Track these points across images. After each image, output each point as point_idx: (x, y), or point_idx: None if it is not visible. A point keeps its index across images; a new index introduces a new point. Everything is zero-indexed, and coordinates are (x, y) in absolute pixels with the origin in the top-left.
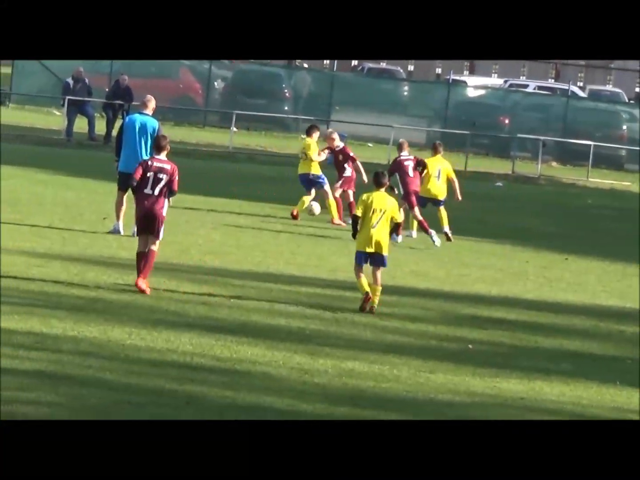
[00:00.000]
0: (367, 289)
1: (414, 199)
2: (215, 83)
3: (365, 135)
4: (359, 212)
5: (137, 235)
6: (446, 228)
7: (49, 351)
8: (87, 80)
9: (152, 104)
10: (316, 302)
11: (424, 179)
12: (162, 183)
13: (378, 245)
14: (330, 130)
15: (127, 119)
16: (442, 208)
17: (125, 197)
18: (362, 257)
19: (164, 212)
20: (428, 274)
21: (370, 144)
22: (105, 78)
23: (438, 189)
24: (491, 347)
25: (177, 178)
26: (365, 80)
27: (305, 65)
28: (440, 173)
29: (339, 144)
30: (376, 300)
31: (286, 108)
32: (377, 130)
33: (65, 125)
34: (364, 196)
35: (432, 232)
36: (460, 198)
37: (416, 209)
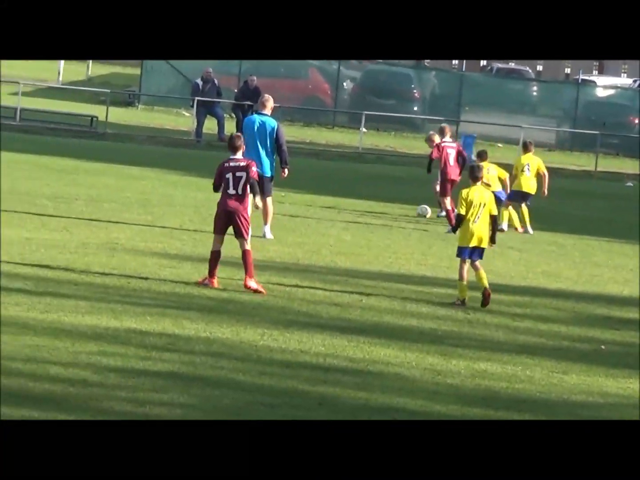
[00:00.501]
0: (466, 293)
1: (449, 187)
2: (344, 83)
3: (494, 136)
4: (462, 210)
5: (217, 234)
6: (528, 226)
7: (181, 352)
8: (216, 81)
9: (270, 103)
10: (448, 302)
11: (515, 175)
12: (243, 181)
13: (480, 239)
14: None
15: (245, 119)
16: (524, 206)
17: (269, 200)
18: (466, 252)
19: (249, 210)
20: (560, 275)
21: (499, 144)
22: (234, 79)
23: (529, 184)
24: (624, 347)
25: (255, 170)
26: (494, 80)
27: (427, 64)
28: (529, 168)
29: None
30: (486, 282)
31: (415, 108)
32: (507, 130)
33: (194, 126)
34: (464, 193)
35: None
36: (546, 193)
37: (448, 199)
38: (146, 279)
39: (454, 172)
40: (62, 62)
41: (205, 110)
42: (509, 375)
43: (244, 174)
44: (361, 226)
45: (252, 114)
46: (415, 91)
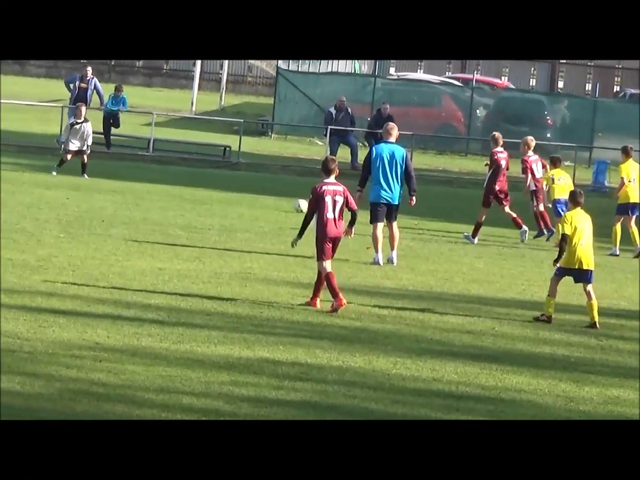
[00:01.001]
0: (552, 311)
1: (492, 198)
2: (477, 111)
3: None
4: (568, 231)
5: (328, 259)
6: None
7: (313, 382)
8: (349, 110)
9: (395, 131)
10: (581, 329)
11: (620, 186)
12: (340, 205)
13: (585, 262)
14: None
15: (375, 147)
16: (633, 221)
17: (380, 228)
18: (563, 272)
19: (340, 231)
20: None
21: None
22: (367, 107)
23: (635, 194)
24: None
25: (351, 197)
26: (627, 105)
27: (560, 90)
28: (636, 178)
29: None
30: (596, 315)
31: (548, 135)
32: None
33: (327, 154)
34: (567, 216)
35: (525, 228)
36: None
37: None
38: (279, 308)
39: (502, 182)
40: (196, 92)
41: (339, 139)
42: None
43: (341, 199)
44: (494, 253)
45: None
46: (548, 118)
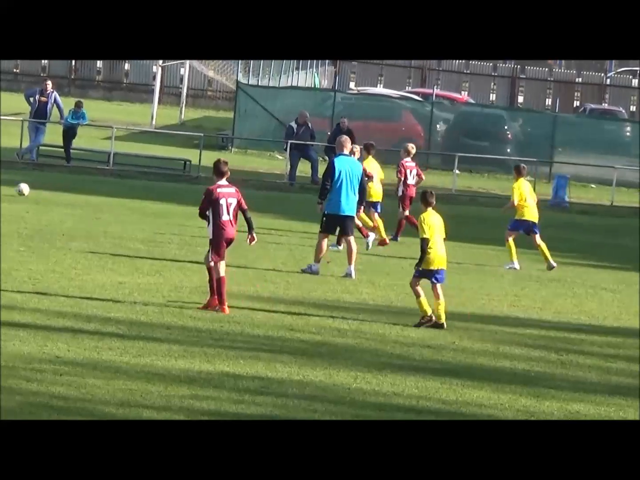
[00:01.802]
0: (428, 310)
1: (408, 202)
2: (437, 125)
3: (587, 177)
4: (428, 234)
5: (222, 259)
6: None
7: (274, 395)
8: (309, 124)
9: (348, 144)
10: (541, 344)
11: (511, 204)
12: (233, 207)
13: (440, 262)
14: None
15: (336, 160)
16: (538, 238)
17: (326, 240)
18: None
19: (234, 233)
20: None
21: (593, 185)
22: (327, 121)
23: (533, 212)
24: None
25: (243, 199)
26: (587, 120)
27: (520, 105)
28: (530, 195)
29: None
30: (443, 315)
31: (509, 150)
32: (600, 171)
33: (288, 169)
34: (423, 219)
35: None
36: None
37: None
38: (239, 322)
39: (412, 190)
40: (156, 106)
41: (299, 153)
42: (602, 417)
43: (235, 200)
44: (454, 268)
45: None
46: (508, 132)
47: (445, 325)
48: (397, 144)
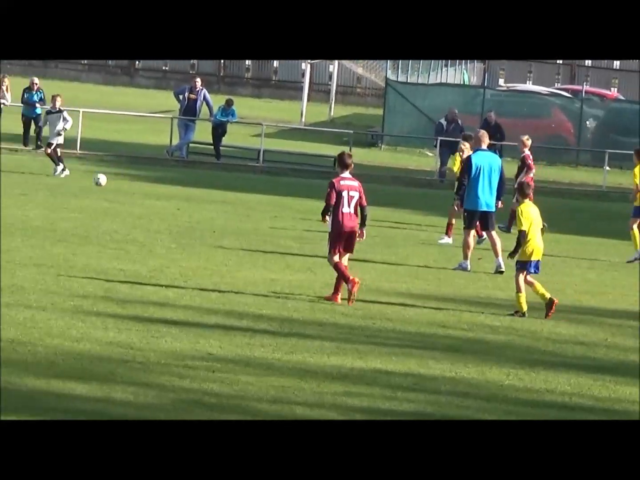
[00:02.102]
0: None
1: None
2: (587, 122)
3: None
4: (525, 227)
5: (335, 251)
6: None
7: (426, 392)
8: (459, 121)
9: (486, 138)
10: None
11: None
12: (355, 200)
13: (537, 253)
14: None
15: (472, 157)
16: None
17: (472, 235)
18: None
19: (354, 225)
20: None
21: None
22: (477, 118)
23: None
24: None
25: (364, 193)
26: None
27: None
28: None
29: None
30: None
31: None
32: None
33: (438, 166)
34: (521, 211)
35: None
36: None
37: None
38: (391, 319)
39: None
40: (305, 103)
41: (449, 150)
42: None
43: (356, 194)
44: (606, 264)
45: (501, 152)
46: None
47: (554, 301)
48: (547, 141)
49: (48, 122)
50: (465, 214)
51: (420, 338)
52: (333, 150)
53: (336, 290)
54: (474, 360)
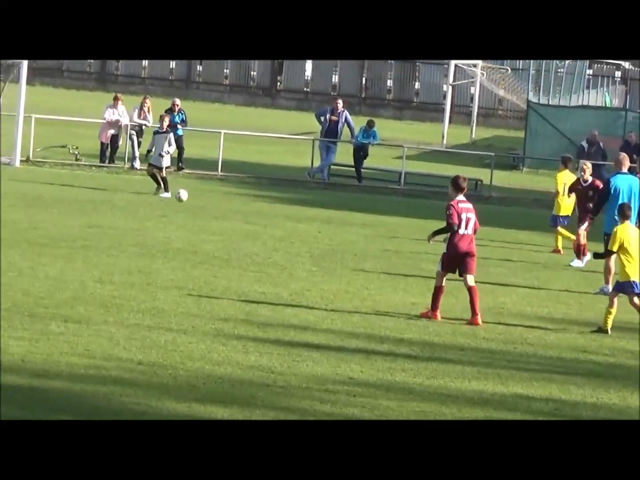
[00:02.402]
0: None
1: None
2: None
3: None
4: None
5: (444, 270)
6: None
7: (567, 418)
8: (601, 144)
9: (626, 161)
10: None
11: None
12: (472, 222)
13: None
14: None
15: (611, 180)
16: None
17: (613, 258)
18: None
19: (470, 247)
20: None
21: None
22: (618, 141)
23: None
24: None
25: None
26: None
27: None
28: None
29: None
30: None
31: None
32: None
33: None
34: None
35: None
36: None
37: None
38: (532, 344)
39: None
40: (446, 125)
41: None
42: None
43: (473, 216)
44: None
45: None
46: None
47: None
48: None
49: (154, 142)
50: (605, 237)
51: (561, 363)
52: (474, 173)
53: (473, 310)
54: (616, 386)
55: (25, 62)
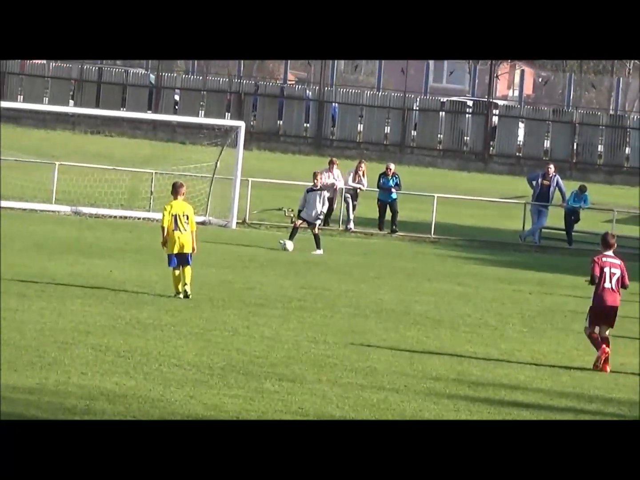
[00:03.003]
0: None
1: None
2: None
3: None
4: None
5: (593, 325)
6: None
7: None
8: None
9: None
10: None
11: None
12: (617, 277)
13: None
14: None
15: None
16: None
17: None
18: None
19: (615, 301)
20: None
21: None
22: None
23: None
24: None
25: (626, 273)
26: None
27: None
28: None
29: None
30: None
31: None
32: None
33: None
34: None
35: None
36: None
37: None
38: None
39: None
40: None
41: None
42: None
43: (618, 271)
44: None
45: None
46: None
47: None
48: None
49: (306, 201)
50: None
51: None
52: None
53: (599, 358)
54: None
55: (242, 127)
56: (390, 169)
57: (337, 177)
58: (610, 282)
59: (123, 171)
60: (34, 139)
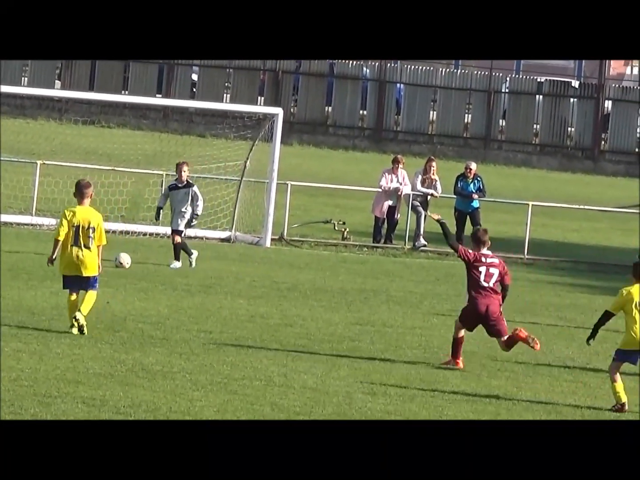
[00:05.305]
0: (624, 398)
1: None
2: None
3: None
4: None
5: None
6: None
7: None
8: None
9: None
10: None
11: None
12: (494, 278)
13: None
14: None
15: None
16: None
17: None
18: (623, 356)
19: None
20: None
21: None
22: None
23: None
24: None
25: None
26: None
27: None
28: None
29: None
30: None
31: None
32: None
33: None
34: (624, 291)
35: None
36: None
37: None
38: None
39: None
40: None
41: None
42: None
43: (496, 271)
44: None
45: None
46: None
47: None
48: None
49: (170, 200)
50: None
51: None
52: None
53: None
54: None
55: (280, 115)
56: (471, 170)
57: (403, 180)
58: (488, 282)
59: (124, 173)
60: (9, 132)
